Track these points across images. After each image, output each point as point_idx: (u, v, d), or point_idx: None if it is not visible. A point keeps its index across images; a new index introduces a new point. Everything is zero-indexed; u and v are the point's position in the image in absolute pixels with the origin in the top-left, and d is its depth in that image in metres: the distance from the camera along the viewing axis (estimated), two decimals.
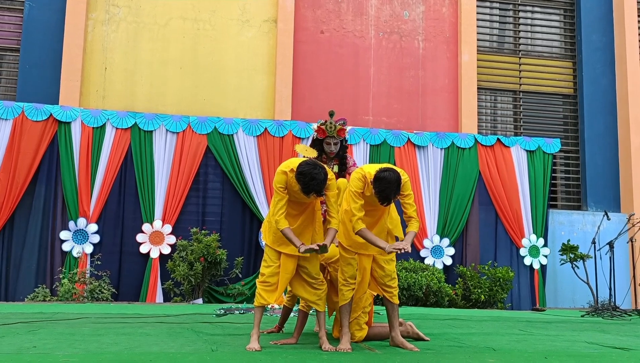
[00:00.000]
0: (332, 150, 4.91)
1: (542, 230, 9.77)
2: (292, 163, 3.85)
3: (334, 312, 4.32)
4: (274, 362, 3.23)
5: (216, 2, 9.81)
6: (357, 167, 4.70)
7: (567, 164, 11.18)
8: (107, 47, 9.40)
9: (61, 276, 8.07)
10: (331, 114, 4.98)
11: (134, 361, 3.15)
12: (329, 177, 3.81)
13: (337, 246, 4.08)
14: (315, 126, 5.00)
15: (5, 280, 8.34)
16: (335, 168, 4.95)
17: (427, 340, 4.39)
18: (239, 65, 9.75)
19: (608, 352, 4.08)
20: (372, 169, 3.82)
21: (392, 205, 4.05)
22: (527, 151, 9.98)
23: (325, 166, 3.82)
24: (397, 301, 4.05)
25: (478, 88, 10.63)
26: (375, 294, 4.23)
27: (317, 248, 3.71)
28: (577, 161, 11.06)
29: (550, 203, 10.56)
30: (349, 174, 4.92)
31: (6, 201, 8.33)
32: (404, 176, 3.82)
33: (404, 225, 4.07)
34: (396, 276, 4.08)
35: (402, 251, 3.71)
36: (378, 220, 3.96)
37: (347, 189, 3.94)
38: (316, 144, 4.97)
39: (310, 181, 3.61)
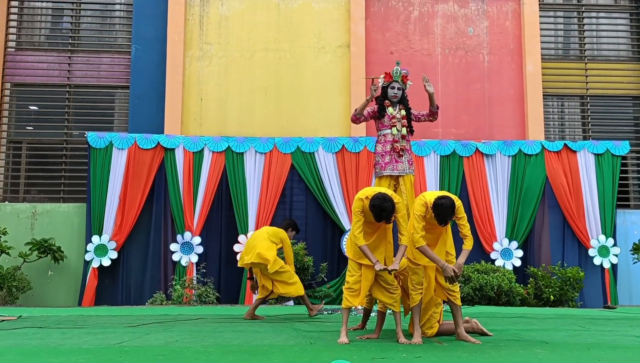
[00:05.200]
0: (395, 93, 5.72)
1: (611, 230, 10.12)
2: (368, 192, 4.77)
3: (409, 312, 5.18)
4: (360, 353, 4.14)
5: (294, 33, 10.88)
6: (423, 114, 5.63)
7: (639, 164, 11.37)
8: (202, 80, 10.69)
9: (173, 283, 9.39)
10: (398, 63, 5.84)
11: (254, 351, 4.16)
12: (395, 201, 4.69)
13: (405, 259, 4.95)
14: (383, 75, 5.82)
15: (126, 286, 9.78)
16: (403, 112, 5.71)
17: (490, 335, 5.15)
18: (317, 88, 10.76)
19: None
20: (431, 196, 4.68)
21: (449, 229, 4.88)
22: (594, 154, 10.34)
23: (393, 195, 4.70)
24: (459, 303, 4.87)
25: (544, 95, 11.07)
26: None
27: (390, 269, 4.62)
28: None
29: (623, 203, 10.85)
30: (418, 119, 5.78)
31: (125, 219, 9.76)
32: (458, 202, 4.65)
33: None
34: (457, 283, 4.90)
35: (457, 276, 4.58)
36: (438, 237, 4.81)
37: (412, 212, 4.80)
38: (382, 91, 5.79)
39: (380, 212, 4.53)
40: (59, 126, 10.84)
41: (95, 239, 9.68)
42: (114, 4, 11.37)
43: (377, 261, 4.67)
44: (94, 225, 9.75)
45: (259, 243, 6.61)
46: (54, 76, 11.00)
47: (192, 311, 7.65)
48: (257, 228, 9.86)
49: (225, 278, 9.89)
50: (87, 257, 9.64)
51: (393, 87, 5.71)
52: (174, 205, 9.83)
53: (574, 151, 10.32)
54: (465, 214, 4.75)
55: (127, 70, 10.88)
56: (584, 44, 11.62)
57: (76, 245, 9.98)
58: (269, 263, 6.48)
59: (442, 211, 4.54)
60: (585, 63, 11.51)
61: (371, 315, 5.67)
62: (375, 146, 5.80)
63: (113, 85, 11.01)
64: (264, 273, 6.70)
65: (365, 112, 5.70)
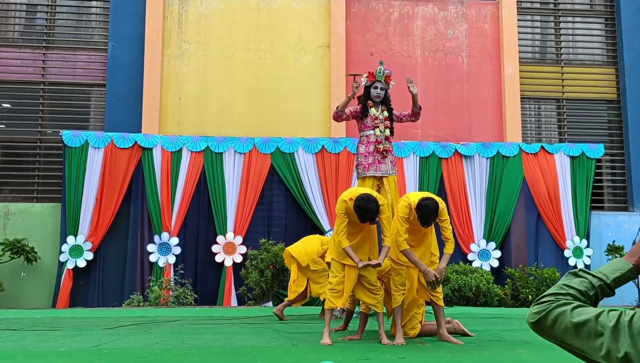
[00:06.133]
0: (378, 93, 5.67)
1: (585, 231, 10.29)
2: (352, 193, 4.75)
3: (392, 314, 5.17)
4: (344, 354, 4.11)
5: (274, 33, 10.82)
6: (405, 114, 5.59)
7: (613, 167, 11.58)
8: (180, 79, 10.57)
9: (151, 284, 9.25)
10: (381, 63, 5.82)
11: (236, 353, 4.10)
12: (380, 203, 4.67)
13: (389, 259, 4.94)
14: (365, 74, 5.78)
15: (102, 288, 9.60)
16: (385, 113, 5.68)
17: (472, 336, 5.16)
18: (297, 89, 10.72)
19: None
20: (415, 197, 4.68)
21: (434, 230, 4.89)
22: (570, 157, 10.50)
23: (378, 197, 4.69)
24: (442, 303, 4.88)
25: (521, 98, 11.20)
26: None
27: (374, 264, 4.59)
28: (623, 164, 11.45)
29: (597, 204, 11.03)
30: (399, 119, 5.77)
31: (101, 220, 9.59)
32: (441, 204, 4.66)
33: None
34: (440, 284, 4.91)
35: (438, 280, 4.58)
36: (422, 238, 4.81)
37: (396, 214, 4.79)
38: (365, 91, 5.76)
39: (365, 213, 4.50)
40: (32, 124, 10.61)
41: (70, 239, 9.49)
42: (91, 0, 11.17)
43: (360, 260, 4.64)
44: (69, 225, 9.56)
45: (299, 243, 6.52)
46: (28, 73, 10.76)
47: (170, 312, 7.53)
48: (235, 229, 9.79)
49: (203, 280, 9.77)
50: (62, 258, 9.44)
51: (376, 87, 5.69)
52: (151, 205, 9.69)
53: (551, 154, 10.46)
54: (448, 217, 4.76)
55: (104, 68, 10.70)
56: (561, 48, 11.80)
57: (50, 245, 9.77)
58: (300, 260, 6.35)
59: (425, 213, 4.54)
60: (562, 67, 11.69)
61: (353, 316, 5.64)
62: (358, 146, 5.78)
63: (89, 83, 10.81)
64: (300, 269, 6.51)
65: (347, 111, 5.67)
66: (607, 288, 1.41)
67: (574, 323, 1.29)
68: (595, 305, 1.37)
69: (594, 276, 1.42)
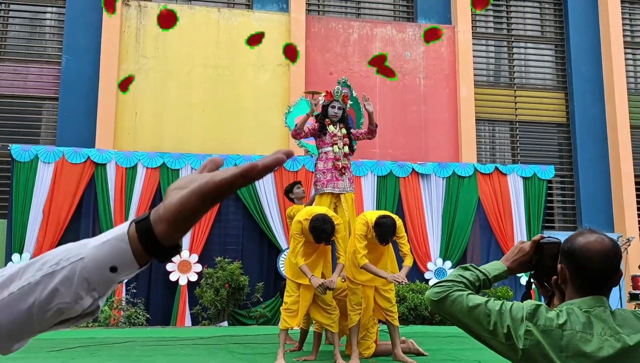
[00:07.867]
0: (335, 113, 5.71)
1: None
2: (307, 213, 4.73)
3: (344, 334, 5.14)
4: None
5: (234, 49, 10.79)
6: (361, 132, 5.68)
7: (563, 188, 11.94)
8: (137, 94, 10.38)
9: None
10: (339, 82, 5.87)
11: None
12: (336, 223, 4.67)
13: (343, 280, 4.92)
14: (323, 93, 5.85)
15: None
16: (344, 130, 5.73)
17: (426, 355, 5.18)
18: (255, 106, 10.68)
19: None
20: (372, 215, 4.70)
21: (391, 247, 4.91)
22: (523, 178, 10.76)
23: (334, 217, 4.69)
24: (397, 323, 4.88)
25: (476, 120, 11.47)
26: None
27: (328, 283, 4.57)
28: (572, 185, 11.82)
29: (548, 225, 11.33)
30: (356, 137, 5.81)
31: (47, 236, 9.26)
32: (398, 222, 4.69)
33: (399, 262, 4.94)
34: (395, 304, 4.92)
35: (401, 282, 4.57)
36: (380, 256, 4.82)
37: (353, 232, 4.80)
38: (323, 110, 5.78)
39: (320, 233, 4.50)
40: None
41: (15, 257, 9.11)
42: (45, 12, 10.92)
43: (313, 275, 4.60)
44: (14, 242, 9.19)
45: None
46: None
47: (120, 333, 7.30)
48: (191, 247, 9.61)
49: (156, 299, 9.52)
50: None
51: (334, 107, 5.73)
52: (103, 222, 9.41)
53: (504, 174, 10.70)
54: (405, 234, 4.81)
55: (57, 81, 10.44)
56: (514, 72, 12.16)
57: None
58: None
59: (383, 231, 4.56)
60: (515, 90, 12.04)
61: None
62: (316, 163, 5.77)
63: (41, 96, 10.52)
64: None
65: (305, 128, 5.67)
66: (488, 282, 1.79)
67: (470, 306, 1.64)
68: (477, 293, 1.73)
69: (480, 272, 1.78)
